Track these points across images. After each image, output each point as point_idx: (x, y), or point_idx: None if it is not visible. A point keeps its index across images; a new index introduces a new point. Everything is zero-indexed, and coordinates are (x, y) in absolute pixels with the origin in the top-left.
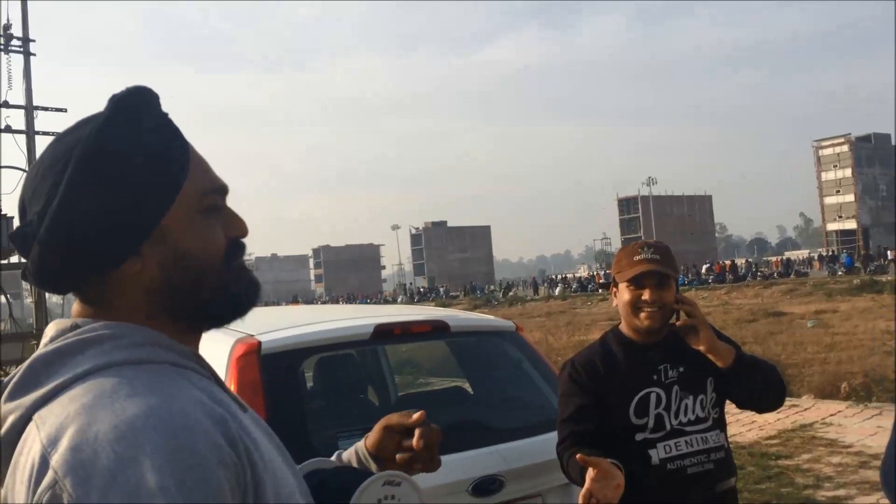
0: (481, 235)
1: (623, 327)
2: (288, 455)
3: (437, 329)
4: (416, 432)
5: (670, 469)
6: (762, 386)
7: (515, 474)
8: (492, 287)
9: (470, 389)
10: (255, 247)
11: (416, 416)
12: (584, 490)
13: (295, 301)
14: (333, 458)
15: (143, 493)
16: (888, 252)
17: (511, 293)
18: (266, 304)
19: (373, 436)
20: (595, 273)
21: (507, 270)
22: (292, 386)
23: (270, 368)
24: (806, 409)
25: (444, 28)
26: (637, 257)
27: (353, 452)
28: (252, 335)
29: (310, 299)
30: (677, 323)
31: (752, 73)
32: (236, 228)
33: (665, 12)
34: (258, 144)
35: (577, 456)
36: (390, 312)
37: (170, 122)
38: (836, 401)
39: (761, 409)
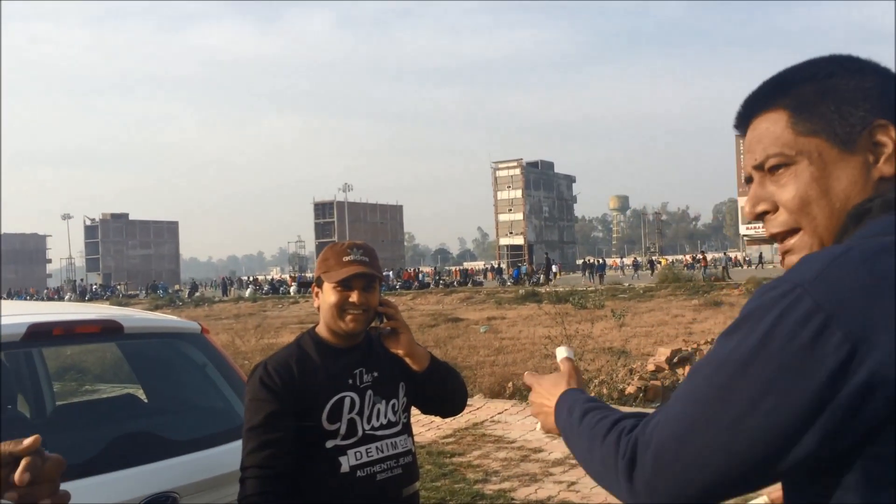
0: (168, 231)
1: (320, 329)
2: None
3: (107, 330)
4: (22, 463)
5: (360, 476)
6: (451, 390)
7: (192, 490)
8: (177, 287)
9: (144, 397)
10: None
11: (27, 442)
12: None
13: None
14: None
15: None
16: (552, 266)
17: (198, 293)
18: None
19: None
20: (290, 275)
21: (195, 270)
22: None
23: None
24: (478, 408)
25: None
26: (346, 258)
27: None
28: None
29: None
30: (381, 326)
31: (460, 89)
32: None
33: (380, 18)
34: None
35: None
36: (51, 310)
37: None
38: (503, 400)
39: (446, 414)
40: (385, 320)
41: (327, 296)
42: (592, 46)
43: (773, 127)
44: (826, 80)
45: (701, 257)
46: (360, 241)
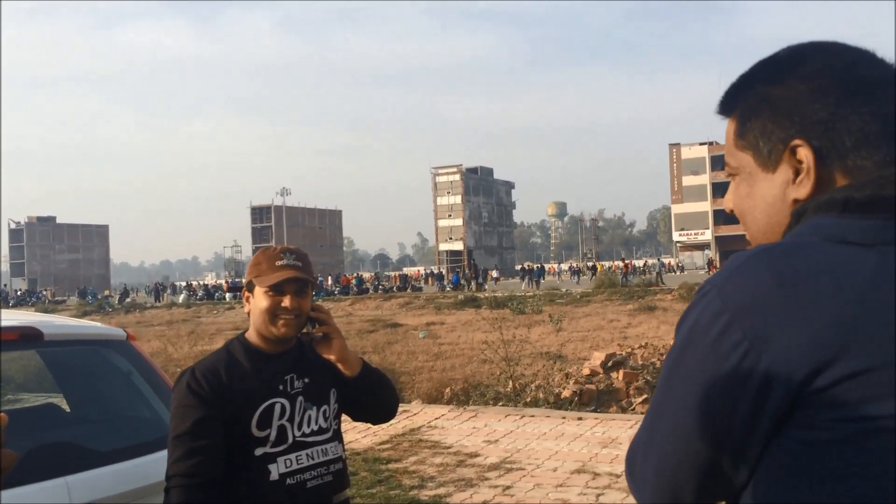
0: (98, 235)
1: (250, 335)
2: None
3: (26, 337)
4: None
5: (290, 484)
6: (382, 397)
7: (117, 501)
8: (107, 292)
9: (66, 407)
10: None
11: None
12: None
13: None
14: None
15: None
16: (490, 272)
17: (129, 299)
18: None
19: None
20: (225, 280)
21: (126, 275)
22: None
23: None
24: (415, 414)
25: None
26: (279, 262)
27: None
28: None
29: None
30: (313, 331)
31: (400, 94)
32: None
33: (320, 21)
34: None
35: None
36: None
37: None
38: (440, 405)
39: (377, 420)
40: (317, 325)
41: (259, 300)
42: (531, 55)
43: (728, 133)
44: (767, 88)
45: (623, 263)
46: (293, 246)
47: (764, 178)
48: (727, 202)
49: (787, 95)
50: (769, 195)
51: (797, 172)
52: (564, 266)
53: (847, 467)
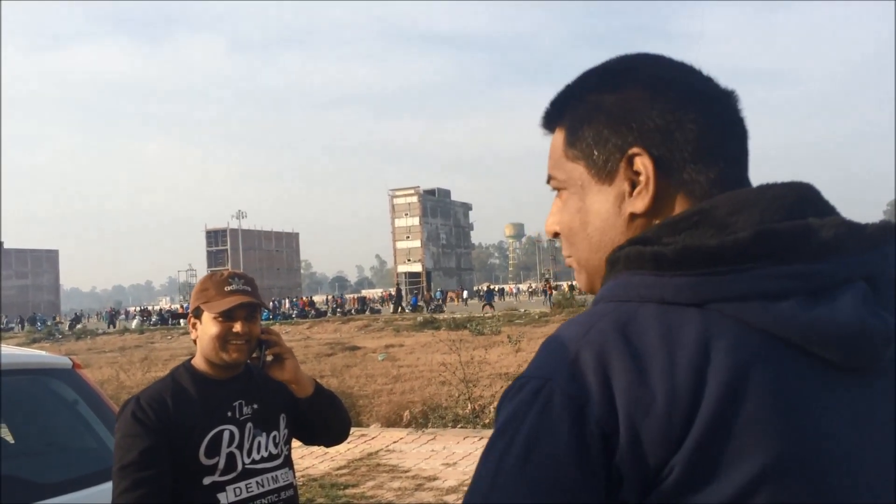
0: (47, 260)
1: (196, 361)
2: None
3: None
4: None
5: None
6: (335, 419)
7: None
8: (57, 319)
9: (10, 438)
10: None
11: None
12: None
13: None
14: None
15: None
16: (448, 294)
17: (80, 325)
18: None
19: None
20: (180, 305)
21: (77, 300)
22: None
23: None
24: (373, 438)
25: (28, 22)
26: (228, 288)
27: None
28: None
29: None
30: (264, 353)
31: (355, 116)
32: None
33: (272, 44)
34: None
35: None
36: None
37: None
38: (399, 428)
39: (329, 443)
40: (265, 348)
41: (208, 327)
42: (488, 77)
43: (555, 145)
44: (600, 96)
45: (545, 285)
46: (240, 271)
47: (598, 190)
48: (551, 224)
49: (622, 102)
50: (603, 209)
51: (633, 185)
52: (523, 286)
53: None
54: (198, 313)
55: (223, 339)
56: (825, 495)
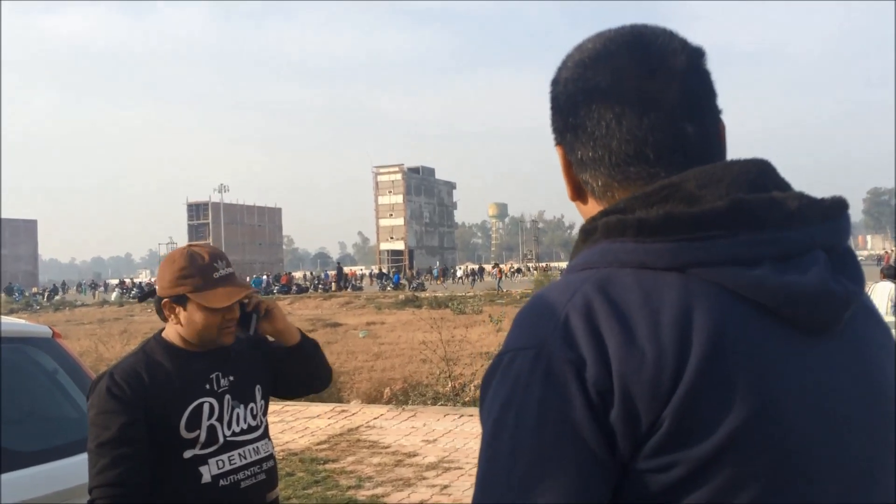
0: (25, 230)
1: (168, 334)
2: None
3: None
4: None
5: (223, 485)
6: (321, 363)
7: (41, 503)
8: (35, 289)
9: None
10: None
11: None
12: None
13: None
14: None
15: None
16: (433, 270)
17: (58, 297)
18: None
19: None
20: None
21: (55, 271)
22: None
23: None
24: (353, 414)
25: None
26: (217, 275)
27: None
28: None
29: None
30: (258, 306)
31: (339, 90)
32: None
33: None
34: None
35: None
36: None
37: None
38: (380, 405)
39: (314, 389)
40: (257, 316)
41: (198, 316)
42: (474, 54)
43: None
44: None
45: (496, 268)
46: (216, 248)
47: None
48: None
49: (556, 89)
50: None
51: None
52: (505, 267)
53: None
54: (182, 301)
55: (218, 328)
56: (797, 446)
